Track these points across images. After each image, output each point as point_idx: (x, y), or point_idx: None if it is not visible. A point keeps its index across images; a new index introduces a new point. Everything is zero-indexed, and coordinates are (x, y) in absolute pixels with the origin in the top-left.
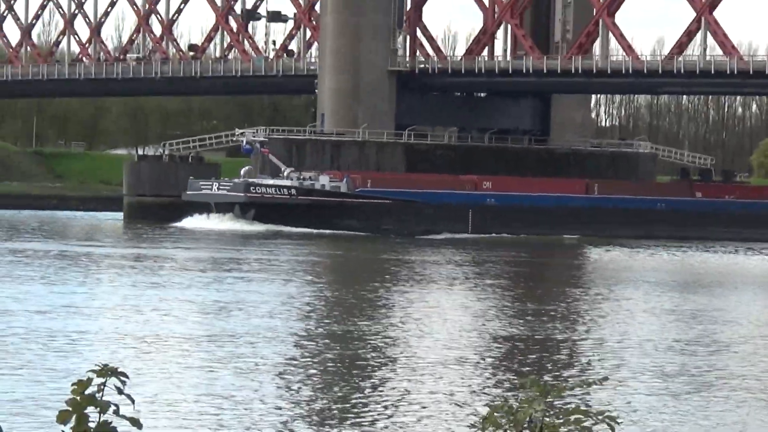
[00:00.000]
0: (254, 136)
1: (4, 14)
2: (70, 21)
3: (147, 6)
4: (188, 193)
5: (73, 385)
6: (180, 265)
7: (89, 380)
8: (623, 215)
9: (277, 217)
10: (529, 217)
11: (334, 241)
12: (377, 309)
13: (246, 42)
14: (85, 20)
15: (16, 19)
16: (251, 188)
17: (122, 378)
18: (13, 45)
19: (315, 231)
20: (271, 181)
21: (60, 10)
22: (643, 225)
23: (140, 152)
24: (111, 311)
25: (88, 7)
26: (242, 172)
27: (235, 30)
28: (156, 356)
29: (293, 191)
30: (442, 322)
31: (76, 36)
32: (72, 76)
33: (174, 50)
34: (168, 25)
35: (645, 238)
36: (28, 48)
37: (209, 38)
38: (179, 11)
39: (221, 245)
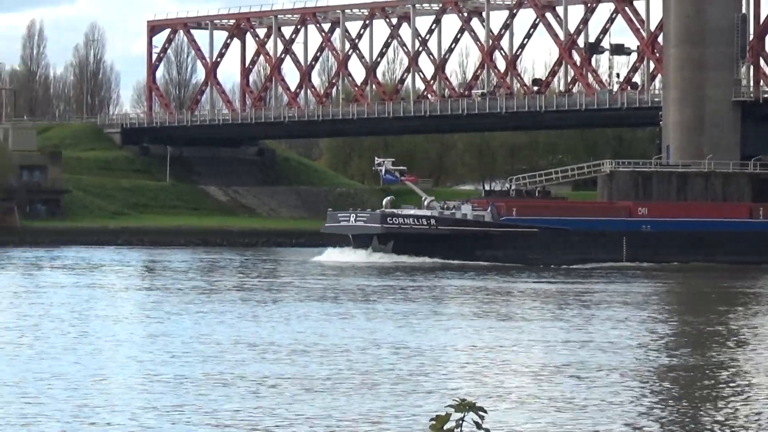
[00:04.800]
0: (393, 165)
1: (349, 53)
2: (414, 58)
3: (490, 42)
4: (327, 225)
5: (431, 420)
6: (529, 297)
7: (448, 415)
8: None
9: (416, 249)
10: (689, 244)
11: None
12: (727, 340)
13: (590, 75)
14: (429, 57)
15: (361, 57)
16: (389, 219)
17: (481, 413)
18: (359, 83)
19: (456, 262)
20: (410, 211)
21: (404, 48)
22: None
23: (487, 187)
24: (467, 346)
25: (432, 44)
26: (384, 202)
27: (578, 63)
28: (515, 391)
29: (433, 221)
30: None
31: (420, 73)
32: (417, 113)
33: (518, 85)
34: (512, 61)
35: None
36: (374, 86)
37: (553, 72)
38: (522, 46)
39: (557, 278)
